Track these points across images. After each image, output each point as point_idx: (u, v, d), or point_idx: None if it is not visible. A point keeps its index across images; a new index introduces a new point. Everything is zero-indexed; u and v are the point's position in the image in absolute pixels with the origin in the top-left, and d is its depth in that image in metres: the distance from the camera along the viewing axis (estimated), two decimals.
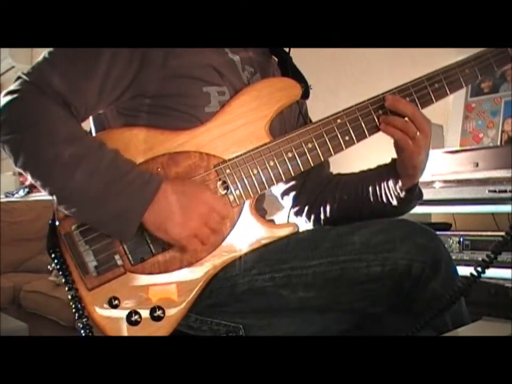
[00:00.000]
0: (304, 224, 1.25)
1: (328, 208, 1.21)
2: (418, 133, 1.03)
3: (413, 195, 1.11)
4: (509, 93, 2.10)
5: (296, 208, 1.26)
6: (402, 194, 1.10)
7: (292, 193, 1.26)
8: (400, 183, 1.09)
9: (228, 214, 1.00)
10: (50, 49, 0.98)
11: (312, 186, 1.23)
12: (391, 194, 1.11)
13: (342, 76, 2.65)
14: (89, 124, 1.10)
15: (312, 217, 1.24)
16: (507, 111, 2.10)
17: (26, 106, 0.93)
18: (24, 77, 0.96)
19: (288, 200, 1.27)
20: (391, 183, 1.11)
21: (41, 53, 0.99)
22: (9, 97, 0.93)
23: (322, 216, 1.22)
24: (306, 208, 1.25)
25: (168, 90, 1.02)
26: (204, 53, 1.04)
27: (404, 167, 1.08)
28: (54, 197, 0.94)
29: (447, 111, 2.24)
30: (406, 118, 1.05)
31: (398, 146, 1.06)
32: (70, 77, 0.96)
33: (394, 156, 1.10)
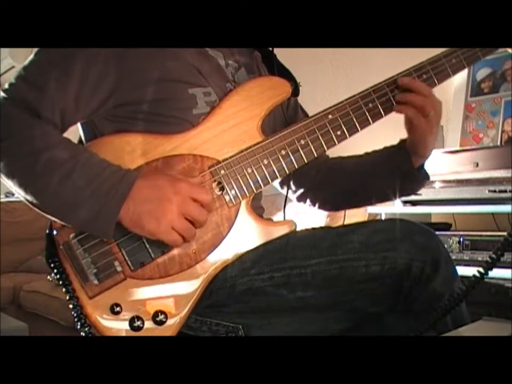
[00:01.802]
0: (308, 208, 1.27)
1: (333, 192, 1.23)
2: (432, 112, 1.05)
3: (421, 175, 1.14)
4: (509, 93, 2.10)
5: (298, 194, 1.26)
6: (412, 174, 1.12)
7: (290, 180, 1.25)
8: (410, 162, 1.12)
9: (208, 200, 0.97)
10: (26, 62, 0.99)
11: (311, 171, 1.23)
12: (400, 174, 1.13)
13: (342, 76, 2.65)
14: (78, 133, 1.09)
15: (317, 203, 1.25)
16: (507, 111, 2.10)
17: (1, 120, 0.94)
18: (2, 93, 0.98)
19: (286, 188, 1.26)
20: (400, 163, 1.13)
21: None
22: None
23: (328, 201, 1.24)
24: (309, 193, 1.26)
25: (154, 95, 1.01)
26: (185, 54, 1.04)
27: (415, 146, 1.10)
28: (34, 204, 0.94)
29: (447, 111, 2.24)
30: None
31: (411, 125, 1.08)
32: (43, 91, 0.96)
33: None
